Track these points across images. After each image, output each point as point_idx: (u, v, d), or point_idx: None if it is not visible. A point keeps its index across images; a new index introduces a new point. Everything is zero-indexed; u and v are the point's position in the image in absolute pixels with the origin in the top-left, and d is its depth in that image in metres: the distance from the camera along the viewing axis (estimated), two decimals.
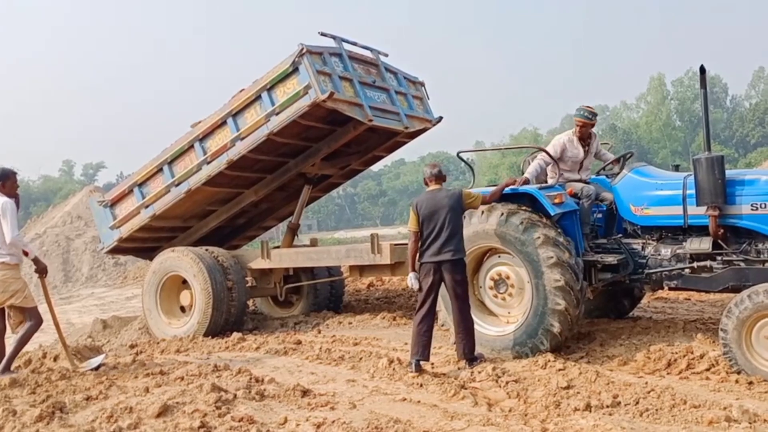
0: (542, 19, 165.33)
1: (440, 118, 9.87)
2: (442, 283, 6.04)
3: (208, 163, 8.60)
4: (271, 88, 8.04)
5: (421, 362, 5.90)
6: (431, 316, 6.03)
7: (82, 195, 28.99)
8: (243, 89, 8.42)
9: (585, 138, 6.96)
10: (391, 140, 9.63)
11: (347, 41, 8.58)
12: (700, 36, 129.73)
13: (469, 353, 6.02)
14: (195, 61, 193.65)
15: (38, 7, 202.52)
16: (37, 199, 70.63)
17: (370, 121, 8.22)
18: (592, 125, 6.97)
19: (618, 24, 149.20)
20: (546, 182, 6.84)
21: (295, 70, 7.82)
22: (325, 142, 9.01)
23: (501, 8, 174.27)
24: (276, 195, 10.09)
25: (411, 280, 6.12)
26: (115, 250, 10.13)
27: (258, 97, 8.17)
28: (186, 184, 8.82)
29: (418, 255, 6.07)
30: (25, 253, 6.29)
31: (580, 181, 6.88)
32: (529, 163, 7.09)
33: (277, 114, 8.04)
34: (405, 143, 10.14)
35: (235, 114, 8.35)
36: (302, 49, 7.69)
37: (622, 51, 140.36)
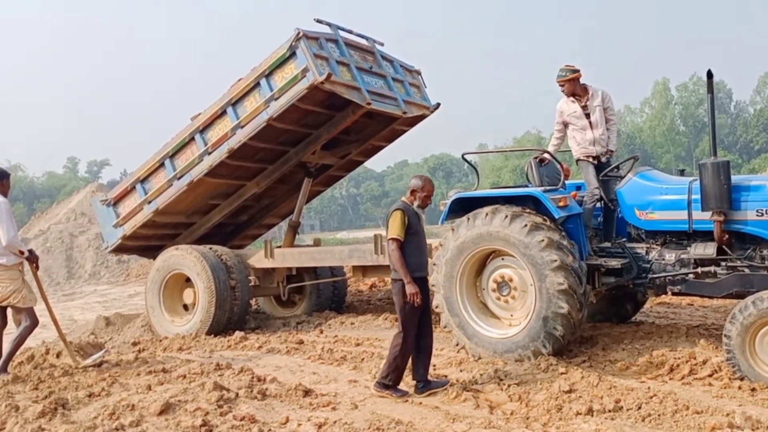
0: (546, 22, 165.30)
1: (438, 105, 9.87)
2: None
3: (210, 153, 8.64)
4: (269, 74, 8.07)
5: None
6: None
7: (86, 192, 29.03)
8: (241, 78, 8.45)
9: (575, 94, 6.89)
10: (390, 127, 9.64)
11: (343, 29, 8.61)
12: (704, 41, 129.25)
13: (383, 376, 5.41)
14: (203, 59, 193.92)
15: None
16: (41, 195, 70.66)
17: (369, 104, 8.22)
18: (570, 80, 6.82)
19: (622, 28, 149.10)
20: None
21: (292, 54, 7.85)
22: (325, 128, 9.04)
23: (504, 9, 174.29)
24: (277, 188, 10.13)
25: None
26: (119, 249, 10.15)
27: (257, 84, 8.21)
28: (188, 177, 8.85)
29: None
30: (21, 253, 6.29)
31: (596, 143, 6.81)
32: (532, 166, 7.07)
33: (276, 99, 8.07)
34: (404, 132, 10.13)
35: (235, 103, 8.39)
36: (299, 33, 7.72)
37: (627, 55, 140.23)
